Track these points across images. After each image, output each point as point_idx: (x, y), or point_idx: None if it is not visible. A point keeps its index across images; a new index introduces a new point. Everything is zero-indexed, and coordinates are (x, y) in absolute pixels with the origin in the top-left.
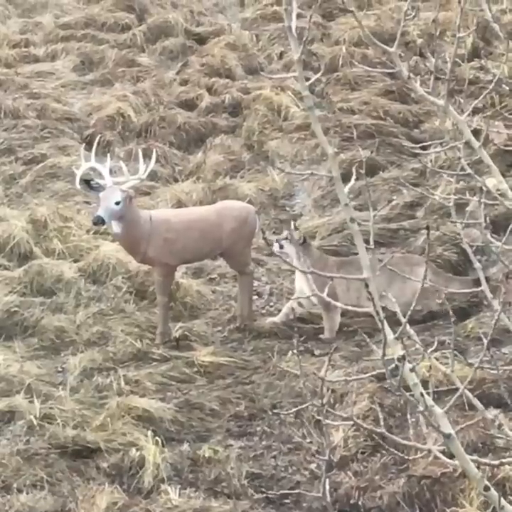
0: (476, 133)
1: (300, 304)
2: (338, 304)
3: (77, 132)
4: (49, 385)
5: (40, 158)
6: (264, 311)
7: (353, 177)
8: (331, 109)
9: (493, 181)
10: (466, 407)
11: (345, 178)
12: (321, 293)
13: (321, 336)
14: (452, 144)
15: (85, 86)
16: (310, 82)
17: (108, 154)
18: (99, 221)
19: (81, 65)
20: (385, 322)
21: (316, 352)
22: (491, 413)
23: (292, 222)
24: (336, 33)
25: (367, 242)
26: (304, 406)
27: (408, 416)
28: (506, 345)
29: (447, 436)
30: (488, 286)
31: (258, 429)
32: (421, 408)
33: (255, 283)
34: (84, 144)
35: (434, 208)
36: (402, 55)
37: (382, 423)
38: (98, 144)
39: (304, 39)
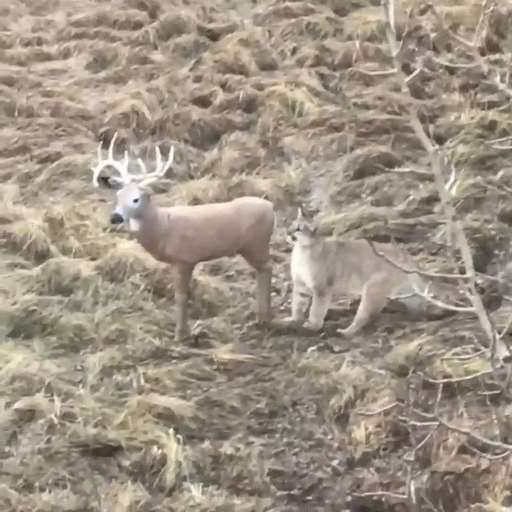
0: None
1: (303, 294)
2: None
3: (92, 130)
4: (69, 383)
5: (55, 157)
6: (282, 308)
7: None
8: (345, 105)
9: None
10: None
11: (363, 173)
12: (321, 277)
13: (339, 330)
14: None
15: (98, 84)
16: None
17: (125, 152)
18: (117, 219)
19: (94, 63)
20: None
21: (335, 348)
22: None
23: (299, 210)
24: (348, 29)
25: (387, 238)
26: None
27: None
28: None
29: None
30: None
31: (279, 426)
32: None
33: (273, 280)
34: (101, 142)
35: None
36: (416, 49)
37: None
38: (114, 141)
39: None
